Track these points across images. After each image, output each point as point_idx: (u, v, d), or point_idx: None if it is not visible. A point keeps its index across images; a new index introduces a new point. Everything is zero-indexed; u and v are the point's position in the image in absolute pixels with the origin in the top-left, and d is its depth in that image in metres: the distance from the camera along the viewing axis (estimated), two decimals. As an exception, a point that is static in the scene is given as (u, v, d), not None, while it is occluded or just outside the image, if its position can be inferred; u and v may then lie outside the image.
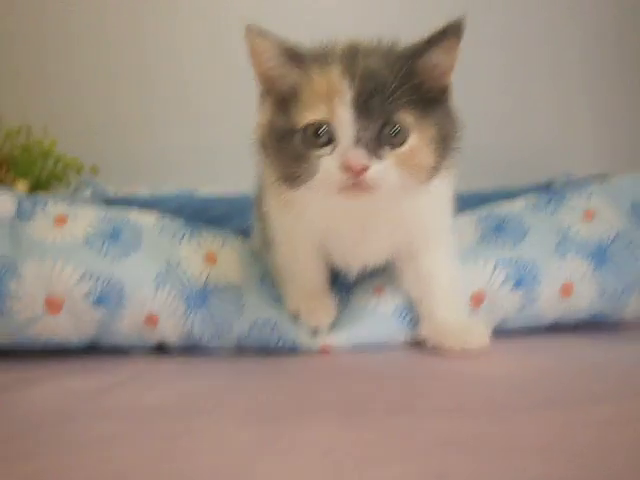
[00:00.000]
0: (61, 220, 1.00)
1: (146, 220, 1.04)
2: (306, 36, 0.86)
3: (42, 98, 1.78)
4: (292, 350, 0.98)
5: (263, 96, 0.86)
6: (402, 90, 0.77)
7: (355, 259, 0.98)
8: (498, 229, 1.05)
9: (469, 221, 1.08)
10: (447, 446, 0.60)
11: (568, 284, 1.02)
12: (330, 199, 0.81)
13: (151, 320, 0.97)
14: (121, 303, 0.96)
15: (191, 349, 1.00)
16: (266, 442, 0.63)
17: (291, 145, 0.80)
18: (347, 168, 0.76)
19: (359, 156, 0.76)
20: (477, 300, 1.00)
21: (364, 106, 0.76)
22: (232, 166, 1.65)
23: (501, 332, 1.01)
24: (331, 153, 0.78)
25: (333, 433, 0.64)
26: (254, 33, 0.81)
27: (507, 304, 1.01)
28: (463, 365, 0.90)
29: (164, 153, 1.80)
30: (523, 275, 1.01)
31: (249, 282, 1.00)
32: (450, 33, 0.79)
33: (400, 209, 0.89)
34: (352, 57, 0.79)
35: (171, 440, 0.64)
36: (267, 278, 1.03)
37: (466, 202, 1.04)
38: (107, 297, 0.96)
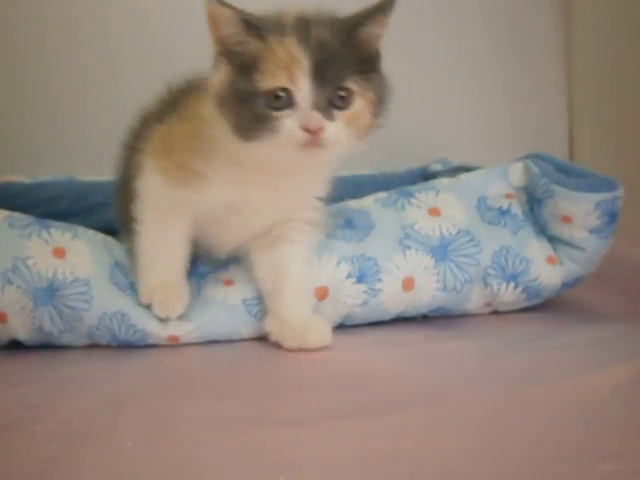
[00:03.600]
0: None
1: (-7, 218, 1.04)
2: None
3: None
4: (141, 340, 1.00)
5: (219, 57, 0.93)
6: (348, 59, 0.89)
7: (238, 234, 1.03)
8: (346, 224, 1.08)
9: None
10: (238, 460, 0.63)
11: (410, 278, 1.05)
12: (289, 154, 0.90)
13: (0, 318, 0.98)
14: (-32, 301, 0.96)
15: (46, 345, 1.02)
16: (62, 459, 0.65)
17: (253, 106, 0.88)
18: (307, 128, 0.86)
19: (317, 118, 0.86)
20: (321, 295, 1.03)
21: (319, 74, 0.86)
22: (111, 152, 1.66)
23: (346, 326, 1.05)
24: (291, 115, 0.87)
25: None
26: (213, 1, 0.88)
27: (350, 299, 1.05)
28: (295, 366, 0.93)
29: (43, 139, 1.77)
30: (365, 270, 1.04)
31: (98, 274, 1.01)
32: (385, 6, 0.90)
33: (321, 170, 1.01)
34: (305, 28, 0.89)
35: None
36: (119, 268, 1.04)
37: (341, 186, 1.07)
38: (-49, 296, 0.96)
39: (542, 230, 1.13)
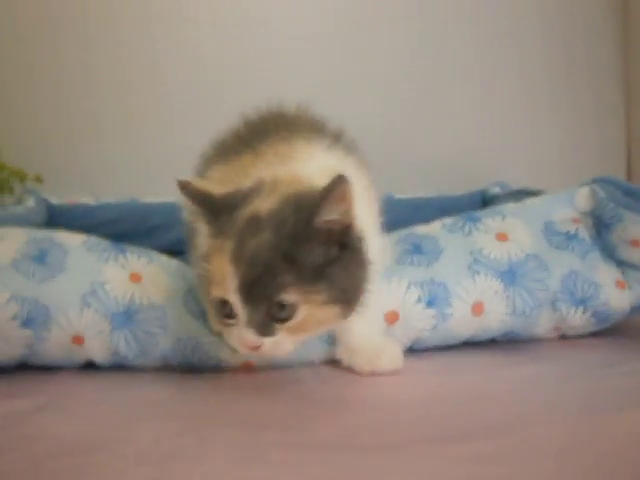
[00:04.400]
0: (-10, 242, 1.03)
1: (72, 241, 1.07)
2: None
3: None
4: (215, 366, 1.02)
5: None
6: (287, 268, 0.81)
7: None
8: (414, 250, 1.09)
9: (388, 242, 1.11)
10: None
11: (479, 303, 1.06)
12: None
13: (77, 340, 1.00)
14: (47, 324, 0.99)
15: (119, 367, 1.04)
16: None
17: (212, 304, 0.88)
18: (243, 346, 0.84)
19: (250, 337, 0.82)
20: (391, 319, 1.04)
21: (249, 292, 0.81)
22: (174, 174, 1.69)
23: (416, 350, 1.06)
24: (235, 326, 0.84)
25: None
26: (181, 187, 0.87)
27: (420, 324, 1.05)
28: (370, 389, 0.94)
29: (108, 162, 1.82)
30: (435, 295, 1.05)
31: (173, 300, 1.04)
32: (336, 184, 0.80)
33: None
34: (243, 238, 0.83)
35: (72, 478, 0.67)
36: (192, 295, 1.05)
37: (401, 208, 1.08)
38: (34, 319, 0.99)
39: (610, 254, 1.13)
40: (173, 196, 1.54)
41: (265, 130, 1.03)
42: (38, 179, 1.64)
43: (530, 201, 1.18)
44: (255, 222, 0.83)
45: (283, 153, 0.96)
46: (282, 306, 0.82)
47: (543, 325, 1.10)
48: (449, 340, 1.09)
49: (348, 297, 0.85)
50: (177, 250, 1.16)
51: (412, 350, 1.06)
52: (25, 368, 1.04)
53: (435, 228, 1.14)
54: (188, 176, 0.88)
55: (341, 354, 1.02)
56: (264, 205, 0.85)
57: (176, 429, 0.79)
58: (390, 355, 0.99)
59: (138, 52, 1.85)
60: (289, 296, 0.81)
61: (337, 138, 1.05)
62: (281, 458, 0.70)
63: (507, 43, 1.91)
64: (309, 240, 0.82)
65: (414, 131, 1.85)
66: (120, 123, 1.84)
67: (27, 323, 0.99)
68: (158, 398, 0.93)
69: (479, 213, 1.16)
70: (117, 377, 1.02)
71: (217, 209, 0.87)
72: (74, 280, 1.02)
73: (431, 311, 1.05)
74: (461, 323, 1.07)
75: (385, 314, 1.05)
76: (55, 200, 1.62)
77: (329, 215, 0.82)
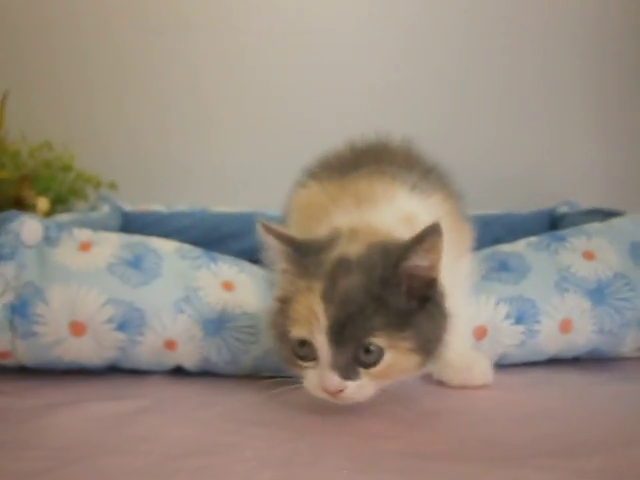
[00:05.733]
0: (86, 246, 1.05)
1: (166, 248, 1.09)
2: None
3: (62, 115, 1.83)
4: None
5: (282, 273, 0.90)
6: (378, 311, 0.81)
7: None
8: (501, 267, 1.10)
9: (474, 259, 1.12)
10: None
11: (567, 320, 1.06)
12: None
13: (170, 345, 1.02)
14: (142, 328, 1.01)
15: (207, 373, 1.05)
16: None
17: (287, 344, 0.86)
18: (324, 389, 0.82)
19: (333, 380, 0.81)
20: (480, 334, 1.05)
21: (338, 333, 0.80)
22: (246, 184, 1.72)
23: (502, 366, 1.06)
24: (315, 368, 0.83)
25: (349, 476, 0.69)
26: (262, 229, 0.87)
27: (508, 339, 1.06)
28: (465, 402, 0.94)
29: (180, 170, 1.85)
30: (524, 311, 1.05)
31: (263, 309, 1.05)
32: (429, 234, 0.81)
33: None
34: (334, 277, 0.83)
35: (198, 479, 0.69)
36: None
37: None
38: (128, 322, 1.00)
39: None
40: (244, 206, 1.59)
41: (360, 160, 1.05)
42: (113, 186, 1.67)
43: (615, 221, 1.18)
44: (345, 264, 0.83)
45: (363, 194, 0.97)
46: (369, 350, 0.81)
47: (629, 344, 1.10)
48: (535, 356, 1.09)
49: (430, 347, 0.84)
50: (247, 260, 1.17)
51: (498, 365, 1.06)
52: (114, 371, 1.06)
53: (520, 246, 1.15)
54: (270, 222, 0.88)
55: (432, 368, 1.02)
56: (352, 249, 0.85)
57: (286, 435, 0.81)
58: (481, 369, 1.00)
59: (213, 57, 1.87)
60: (378, 340, 0.81)
61: (425, 175, 1.05)
62: (397, 466, 0.71)
63: (577, 60, 1.91)
64: (398, 285, 0.82)
65: (479, 148, 1.86)
66: (193, 131, 1.87)
67: (122, 327, 1.01)
68: (256, 403, 0.94)
69: (563, 232, 1.17)
70: (208, 383, 1.04)
71: (302, 250, 0.87)
72: (169, 286, 1.04)
73: (519, 327, 1.06)
74: (549, 340, 1.07)
75: (474, 329, 1.05)
76: (128, 207, 1.64)
77: (418, 262, 0.82)
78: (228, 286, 1.06)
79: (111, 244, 1.07)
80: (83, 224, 1.25)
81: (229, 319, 1.03)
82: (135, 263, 1.05)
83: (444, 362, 1.00)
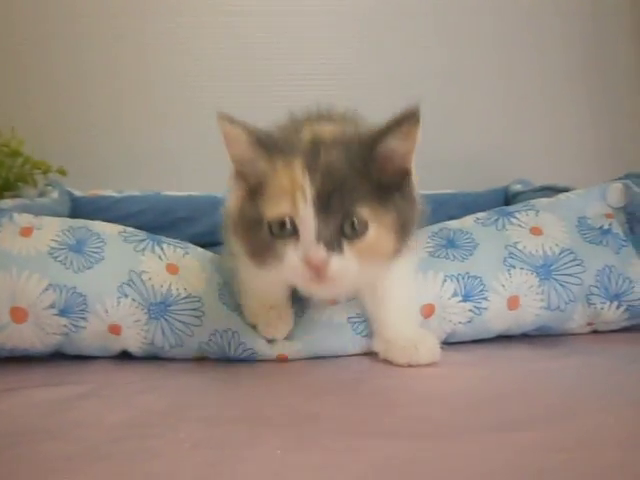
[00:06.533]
0: (27, 231, 1.03)
1: (109, 231, 1.07)
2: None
3: (10, 99, 1.80)
4: (250, 358, 1.02)
5: (235, 178, 0.90)
6: (361, 184, 0.83)
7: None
8: (449, 244, 1.09)
9: (422, 235, 1.12)
10: (388, 471, 0.64)
11: (515, 297, 1.06)
12: (298, 286, 0.88)
13: (114, 329, 1.00)
14: (85, 313, 0.99)
15: (153, 357, 1.04)
16: (220, 464, 0.66)
17: (260, 234, 0.85)
18: (309, 263, 0.81)
19: (320, 252, 0.80)
20: (427, 313, 1.04)
21: (324, 203, 0.80)
22: (196, 168, 1.71)
23: (450, 343, 1.06)
24: (295, 245, 0.82)
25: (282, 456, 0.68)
26: (225, 120, 0.85)
27: (456, 317, 1.06)
28: (412, 381, 0.93)
29: (130, 156, 1.82)
30: (471, 288, 1.05)
31: (209, 292, 1.04)
32: (407, 120, 0.82)
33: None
34: (314, 151, 0.84)
35: (129, 462, 0.67)
36: (227, 288, 1.06)
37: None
38: (71, 307, 0.99)
39: (643, 249, 1.13)
40: (195, 190, 1.57)
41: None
42: (62, 171, 1.64)
43: (563, 196, 1.18)
44: (321, 143, 0.85)
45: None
46: (353, 222, 0.82)
47: (577, 320, 1.10)
48: (484, 334, 1.09)
49: (406, 230, 0.86)
50: (200, 243, 1.17)
51: (446, 343, 1.06)
52: (58, 357, 1.05)
53: (468, 222, 1.14)
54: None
55: (378, 346, 1.02)
56: (324, 132, 0.88)
57: (225, 417, 0.80)
58: (428, 347, 0.99)
59: (162, 47, 1.85)
60: (362, 210, 0.82)
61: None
62: (337, 446, 0.70)
63: (528, 40, 1.93)
64: (375, 166, 0.84)
65: (435, 128, 1.85)
66: (143, 116, 1.84)
67: (64, 312, 0.99)
68: (199, 387, 0.93)
69: (512, 208, 1.16)
70: (153, 367, 1.02)
71: (269, 134, 0.87)
72: (112, 270, 1.02)
73: (467, 305, 1.05)
74: (497, 317, 1.07)
75: (421, 307, 1.05)
76: (78, 192, 1.62)
77: (393, 146, 0.83)
78: (172, 269, 1.05)
79: (52, 228, 1.05)
80: (30, 209, 1.22)
81: (174, 302, 1.02)
82: (77, 247, 1.03)
83: (390, 340, 1.00)
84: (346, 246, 0.82)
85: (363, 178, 0.83)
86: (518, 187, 1.67)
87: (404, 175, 0.87)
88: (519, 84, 1.94)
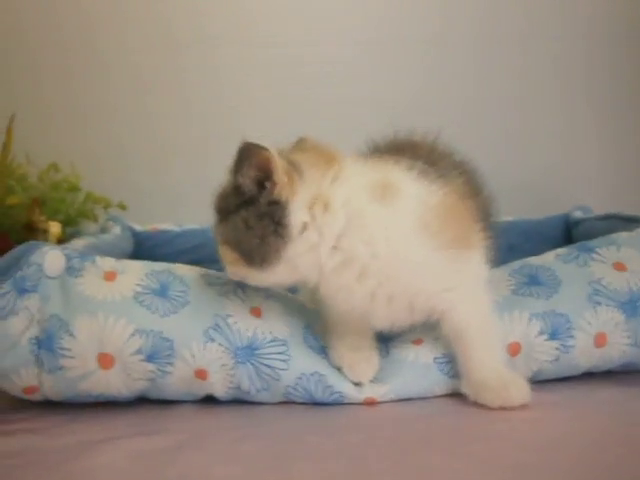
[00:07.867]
0: (110, 276, 1.03)
1: (192, 275, 1.06)
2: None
3: (69, 137, 1.81)
4: (337, 401, 1.02)
5: None
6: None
7: (380, 324, 1.01)
8: (532, 281, 1.08)
9: (502, 273, 1.11)
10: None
11: (602, 334, 1.05)
12: None
13: (200, 374, 1.00)
14: (171, 358, 0.99)
15: (236, 400, 1.04)
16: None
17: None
18: None
19: None
20: (514, 351, 1.04)
21: None
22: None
23: (534, 383, 1.04)
24: None
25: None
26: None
27: (542, 356, 1.05)
28: (506, 424, 0.92)
29: (189, 190, 1.82)
30: (557, 326, 1.04)
31: (294, 335, 1.03)
32: (239, 153, 0.95)
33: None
34: None
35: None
36: (310, 330, 1.05)
37: None
38: (158, 353, 0.99)
39: None
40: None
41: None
42: (122, 206, 1.64)
43: (643, 230, 1.16)
44: None
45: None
46: None
47: (663, 356, 1.09)
48: (570, 371, 1.08)
49: (241, 249, 0.95)
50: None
51: (531, 381, 1.04)
52: (138, 402, 1.05)
53: (549, 259, 1.13)
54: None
55: (466, 387, 1.01)
56: None
57: (334, 468, 0.79)
58: (518, 388, 0.98)
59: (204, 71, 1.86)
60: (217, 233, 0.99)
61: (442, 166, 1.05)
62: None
63: (588, 61, 1.92)
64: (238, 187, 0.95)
65: (490, 154, 1.84)
66: (199, 150, 1.85)
67: (151, 357, 0.99)
68: (298, 434, 0.91)
69: (592, 243, 1.15)
70: (239, 412, 1.02)
71: None
72: (197, 314, 1.01)
73: (554, 343, 1.05)
74: (583, 355, 1.06)
75: (507, 346, 1.04)
76: (138, 227, 1.62)
77: (239, 180, 0.95)
78: (256, 312, 1.04)
79: (136, 273, 1.04)
80: (98, 248, 1.22)
81: (259, 346, 1.01)
82: (161, 292, 1.03)
83: (479, 381, 0.99)
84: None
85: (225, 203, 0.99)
86: (579, 214, 1.65)
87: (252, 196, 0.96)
88: (578, 107, 1.93)
